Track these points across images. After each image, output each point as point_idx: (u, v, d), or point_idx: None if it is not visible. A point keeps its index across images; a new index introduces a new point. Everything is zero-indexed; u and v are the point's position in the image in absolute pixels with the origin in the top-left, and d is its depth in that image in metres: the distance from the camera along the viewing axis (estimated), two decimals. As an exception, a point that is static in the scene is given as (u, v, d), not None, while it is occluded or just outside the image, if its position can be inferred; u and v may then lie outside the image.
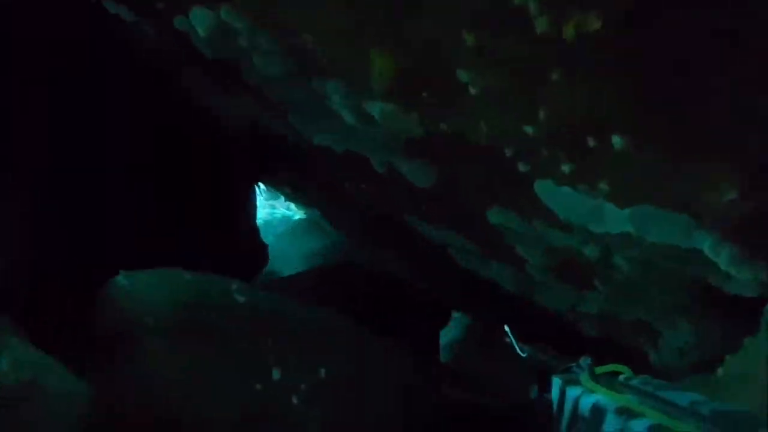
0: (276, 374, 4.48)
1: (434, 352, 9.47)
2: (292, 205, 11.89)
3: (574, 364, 2.26)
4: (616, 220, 3.41)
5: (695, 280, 3.75)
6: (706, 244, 3.20)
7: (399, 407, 5.13)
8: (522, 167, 3.64)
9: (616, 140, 3.05)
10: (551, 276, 4.78)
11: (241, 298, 4.61)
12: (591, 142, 3.15)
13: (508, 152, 3.59)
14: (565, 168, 3.43)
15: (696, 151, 2.96)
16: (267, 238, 12.23)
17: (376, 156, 4.52)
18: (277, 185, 8.61)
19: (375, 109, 3.81)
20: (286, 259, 10.79)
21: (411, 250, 6.42)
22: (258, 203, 13.23)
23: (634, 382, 2.00)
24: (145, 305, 4.32)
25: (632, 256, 3.78)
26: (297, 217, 12.27)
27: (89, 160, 5.45)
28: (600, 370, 2.11)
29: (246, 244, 7.65)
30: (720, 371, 3.68)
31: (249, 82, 4.68)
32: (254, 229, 8.00)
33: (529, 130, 3.31)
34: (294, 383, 4.54)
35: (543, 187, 3.65)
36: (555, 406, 2.20)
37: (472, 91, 3.27)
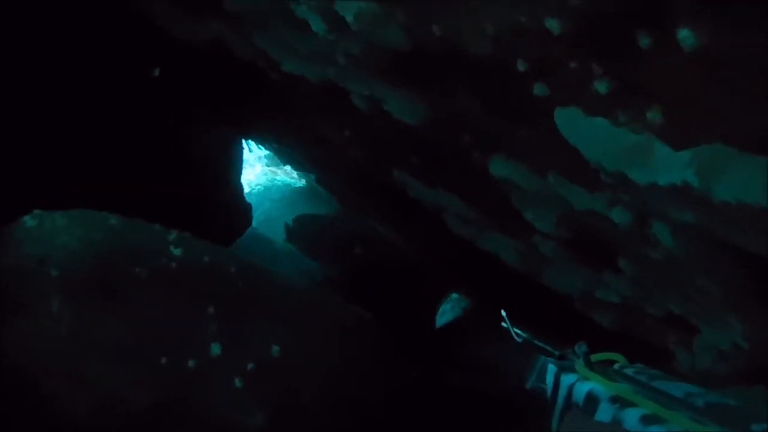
0: (215, 349, 3.38)
1: (429, 331, 8.52)
2: (294, 173, 10.86)
3: (569, 351, 2.14)
4: (669, 165, 2.26)
5: (764, 265, 2.59)
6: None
7: (371, 392, 4.01)
8: (538, 89, 2.51)
9: (685, 35, 1.90)
10: (564, 251, 3.64)
11: (177, 251, 3.50)
12: (643, 41, 2.01)
13: (521, 66, 2.45)
14: (601, 87, 2.30)
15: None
16: (264, 204, 11.29)
17: (355, 86, 3.39)
18: (259, 138, 7.49)
19: (349, 9, 2.69)
20: (277, 225, 9.82)
21: (402, 217, 5.30)
22: (260, 170, 12.27)
23: (629, 371, 1.90)
24: (52, 253, 3.24)
25: (682, 224, 2.61)
26: (298, 185, 11.24)
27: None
28: (595, 357, 2.01)
29: (225, 202, 6.54)
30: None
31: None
32: (237, 187, 6.90)
33: (553, 25, 2.17)
34: (238, 361, 3.44)
35: (566, 118, 2.52)
36: (549, 393, 2.10)
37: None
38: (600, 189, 2.85)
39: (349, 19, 2.73)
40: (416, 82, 3.03)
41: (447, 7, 2.45)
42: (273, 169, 11.37)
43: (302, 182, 11.11)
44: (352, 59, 3.11)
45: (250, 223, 7.09)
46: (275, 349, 3.53)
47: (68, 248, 3.27)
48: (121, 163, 5.18)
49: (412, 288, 8.23)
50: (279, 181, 11.29)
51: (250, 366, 3.45)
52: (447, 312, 8.59)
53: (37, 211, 3.45)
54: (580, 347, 2.02)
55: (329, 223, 9.92)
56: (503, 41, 2.40)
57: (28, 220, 3.35)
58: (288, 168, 11.12)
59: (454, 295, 9.02)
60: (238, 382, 3.41)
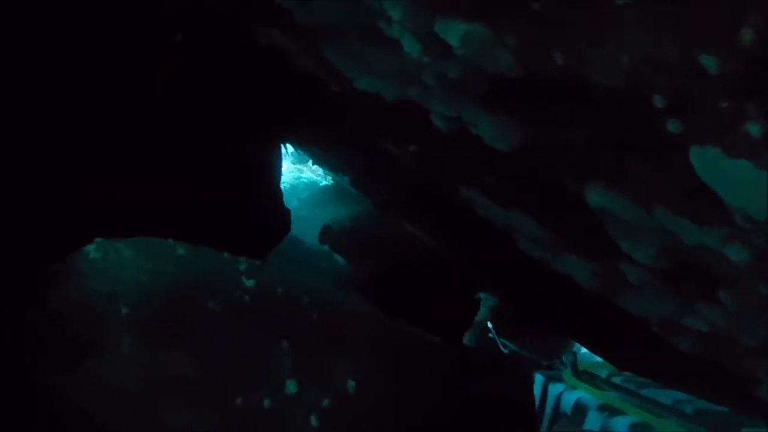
0: (291, 387, 3.17)
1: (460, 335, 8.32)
2: (320, 170, 10.63)
3: (556, 361, 2.12)
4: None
5: None
6: None
7: (445, 422, 3.81)
8: (673, 126, 2.26)
9: None
10: (656, 280, 3.40)
11: (249, 282, 3.28)
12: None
13: (658, 102, 2.21)
14: (752, 129, 2.06)
15: None
16: (291, 202, 11.06)
17: (441, 107, 3.15)
18: (302, 144, 7.21)
19: (453, 32, 2.45)
20: (309, 226, 9.59)
21: (457, 230, 5.07)
22: (286, 168, 12.02)
23: (617, 379, 1.91)
24: (121, 288, 3.02)
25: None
26: (324, 183, 11.00)
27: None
28: (582, 366, 1.94)
29: (267, 209, 6.29)
30: None
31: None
32: (277, 193, 6.65)
33: (709, 63, 1.93)
34: (314, 398, 3.23)
35: (703, 157, 2.27)
36: (537, 403, 2.10)
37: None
38: (719, 226, 2.62)
39: (453, 42, 2.49)
40: (518, 109, 2.79)
41: (575, 35, 2.21)
42: (299, 166, 11.13)
43: (328, 179, 10.88)
44: (445, 81, 2.87)
45: (289, 229, 6.85)
46: (351, 384, 3.32)
47: (137, 283, 3.05)
48: (165, 169, 4.94)
49: (444, 289, 8.02)
50: (305, 178, 11.06)
51: (326, 402, 3.24)
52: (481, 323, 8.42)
53: (99, 240, 3.23)
54: (567, 356, 2.05)
55: (359, 223, 9.70)
56: (640, 75, 2.16)
57: (92, 251, 3.14)
58: (312, 165, 10.90)
59: (482, 295, 8.82)
60: (314, 420, 3.20)
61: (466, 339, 8.84)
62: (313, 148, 6.90)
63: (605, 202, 2.95)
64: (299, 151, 8.39)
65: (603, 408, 1.65)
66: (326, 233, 9.40)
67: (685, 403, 1.55)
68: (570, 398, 1.76)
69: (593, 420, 1.65)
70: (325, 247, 9.85)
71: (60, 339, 2.87)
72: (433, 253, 7.42)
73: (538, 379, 1.97)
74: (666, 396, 1.61)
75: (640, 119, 2.30)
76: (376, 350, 3.59)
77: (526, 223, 3.90)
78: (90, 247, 3.17)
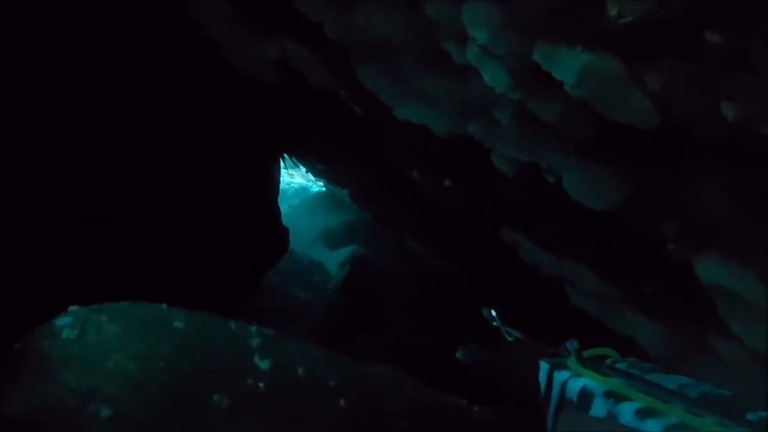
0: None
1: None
2: (311, 176, 9.90)
3: (561, 348, 2.02)
4: None
5: None
6: None
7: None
8: None
9: None
10: (754, 361, 2.73)
11: (264, 364, 2.54)
12: None
13: None
14: None
15: None
16: (282, 208, 10.32)
17: (513, 150, 2.42)
18: (303, 158, 6.46)
19: (567, 64, 1.73)
20: (300, 235, 8.86)
21: (487, 268, 4.37)
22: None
23: (622, 365, 1.81)
24: (101, 383, 2.28)
25: None
26: (315, 189, 10.26)
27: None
28: (587, 353, 1.90)
29: (266, 228, 5.56)
30: None
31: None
32: (276, 210, 5.91)
33: None
34: None
35: None
36: (542, 391, 1.99)
37: None
38: None
39: (566, 78, 1.78)
40: (629, 161, 2.08)
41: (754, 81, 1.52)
42: (290, 171, 10.35)
43: (320, 185, 10.14)
44: (528, 121, 2.15)
45: (287, 249, 6.11)
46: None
47: (124, 373, 2.30)
48: (164, 187, 4.27)
49: (444, 305, 7.38)
50: (295, 184, 10.30)
51: None
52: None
53: (74, 308, 2.47)
54: (572, 343, 1.96)
55: (351, 232, 9.00)
56: None
57: (65, 326, 2.38)
58: (306, 172, 10.18)
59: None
60: None
61: (459, 353, 8.24)
62: (316, 163, 6.14)
63: (723, 278, 2.28)
64: (297, 163, 7.67)
65: (609, 394, 1.65)
66: (313, 240, 8.73)
67: (691, 388, 1.56)
68: (575, 385, 1.78)
69: (599, 407, 1.66)
70: (317, 258, 9.17)
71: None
72: (429, 265, 6.81)
73: (543, 366, 1.97)
74: (671, 381, 1.62)
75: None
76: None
77: (585, 278, 3.21)
78: (62, 321, 2.40)
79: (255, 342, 2.65)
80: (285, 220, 7.42)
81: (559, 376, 1.93)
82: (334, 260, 8.60)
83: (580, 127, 2.01)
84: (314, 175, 8.27)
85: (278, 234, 5.77)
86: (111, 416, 2.23)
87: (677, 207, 2.17)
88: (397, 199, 4.91)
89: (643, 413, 1.55)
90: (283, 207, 9.87)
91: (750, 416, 1.42)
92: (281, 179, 10.56)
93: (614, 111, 1.78)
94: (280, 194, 10.24)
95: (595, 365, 1.88)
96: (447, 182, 3.44)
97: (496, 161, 2.60)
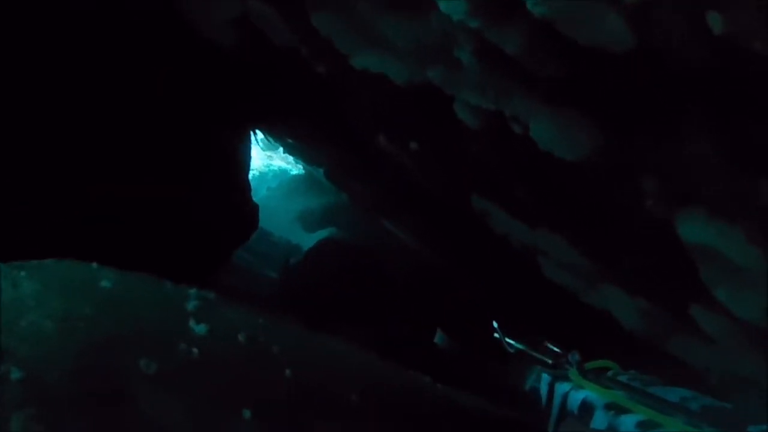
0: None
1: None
2: (291, 158, 9.61)
3: (562, 359, 2.03)
4: None
5: None
6: None
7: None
8: None
9: None
10: (739, 334, 2.49)
11: (200, 329, 2.29)
12: None
13: None
14: None
15: None
16: (260, 191, 10.03)
17: (474, 95, 2.16)
18: (277, 135, 6.18)
19: None
20: (278, 217, 8.61)
21: (460, 242, 4.12)
22: (253, 153, 10.94)
23: (623, 377, 1.83)
24: (14, 344, 2.03)
25: None
26: (294, 171, 9.98)
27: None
28: (589, 365, 1.90)
29: (235, 204, 5.28)
30: None
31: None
32: (246, 186, 5.63)
33: None
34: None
35: None
36: (544, 402, 2.00)
37: None
38: None
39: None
40: (610, 106, 1.83)
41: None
42: (269, 153, 10.08)
43: (299, 168, 9.86)
44: (489, 58, 1.90)
45: (256, 227, 5.85)
46: (336, 466, 2.37)
47: (39, 334, 2.05)
48: (126, 162, 4.04)
49: (422, 290, 7.16)
50: (275, 167, 10.02)
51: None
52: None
53: None
54: (573, 356, 1.93)
55: (331, 215, 8.75)
56: None
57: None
58: (283, 153, 9.90)
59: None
60: None
61: (437, 338, 8.05)
62: (286, 138, 5.87)
63: (708, 238, 2.04)
64: (269, 138, 7.39)
65: (609, 407, 1.68)
66: (290, 224, 8.49)
67: (692, 400, 1.61)
68: (577, 397, 1.82)
69: (600, 419, 1.71)
70: (294, 241, 8.92)
71: None
72: (409, 248, 6.57)
73: (545, 378, 2.02)
74: (673, 393, 1.66)
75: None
76: (373, 417, 2.64)
77: (559, 248, 2.96)
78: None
79: (191, 305, 2.39)
80: (263, 203, 7.19)
81: (561, 388, 1.94)
82: (311, 243, 8.36)
83: (547, 63, 1.75)
84: (289, 153, 8.00)
85: (247, 211, 5.50)
86: (21, 378, 1.98)
87: (656, 156, 1.93)
88: (371, 177, 4.66)
89: (644, 426, 1.55)
90: (262, 189, 9.65)
91: (751, 429, 1.42)
92: (261, 162, 10.32)
93: (582, 32, 1.53)
94: (259, 177, 9.99)
95: (597, 377, 1.90)
96: (413, 145, 3.18)
97: (460, 112, 2.35)
